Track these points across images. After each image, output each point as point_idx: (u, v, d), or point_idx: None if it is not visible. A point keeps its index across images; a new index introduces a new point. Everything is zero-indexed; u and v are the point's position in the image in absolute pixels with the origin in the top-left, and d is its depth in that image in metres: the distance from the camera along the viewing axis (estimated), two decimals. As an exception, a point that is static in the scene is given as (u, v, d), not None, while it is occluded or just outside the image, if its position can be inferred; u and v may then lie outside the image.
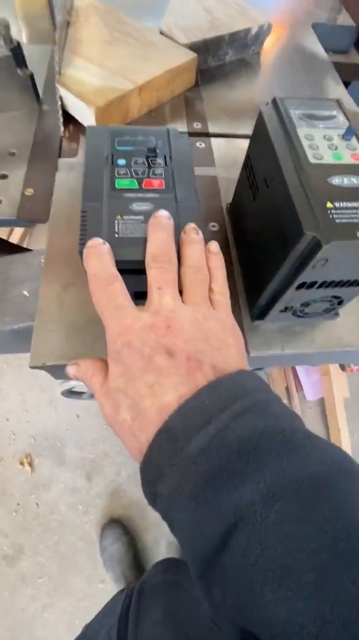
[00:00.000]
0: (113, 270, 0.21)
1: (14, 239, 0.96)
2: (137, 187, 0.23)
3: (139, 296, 0.28)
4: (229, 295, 0.25)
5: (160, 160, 0.24)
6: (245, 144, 0.46)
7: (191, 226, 0.23)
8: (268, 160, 0.26)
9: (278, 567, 0.13)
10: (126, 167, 0.24)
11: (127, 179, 0.23)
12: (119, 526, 0.91)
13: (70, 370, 0.24)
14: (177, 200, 0.23)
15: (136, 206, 0.22)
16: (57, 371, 0.31)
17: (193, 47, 0.50)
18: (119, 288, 0.21)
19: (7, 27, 0.40)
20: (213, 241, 0.25)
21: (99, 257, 0.21)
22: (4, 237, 0.45)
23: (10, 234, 0.95)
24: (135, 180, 0.23)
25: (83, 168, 0.24)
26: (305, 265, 0.23)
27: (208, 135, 0.46)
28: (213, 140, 0.45)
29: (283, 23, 0.68)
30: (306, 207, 0.22)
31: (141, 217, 0.22)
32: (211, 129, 0.47)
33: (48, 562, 0.88)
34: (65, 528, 0.91)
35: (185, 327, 0.20)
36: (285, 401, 1.10)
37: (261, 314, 0.31)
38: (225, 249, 0.37)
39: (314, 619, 0.12)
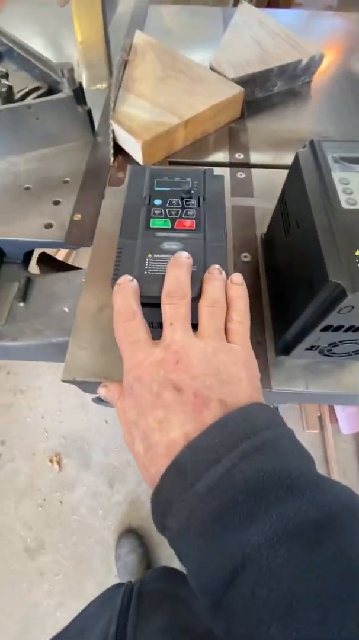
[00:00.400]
0: (135, 307, 0.22)
1: (60, 255, 1.04)
2: (170, 227, 0.25)
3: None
4: (249, 325, 0.25)
5: (193, 201, 0.26)
6: (285, 174, 0.46)
7: (215, 267, 0.24)
8: (300, 202, 0.26)
9: (285, 607, 0.14)
10: (161, 207, 0.26)
11: (161, 219, 0.25)
12: (136, 537, 0.92)
13: (100, 391, 0.26)
14: (206, 240, 0.24)
15: (166, 245, 0.24)
16: (86, 386, 0.33)
17: (241, 81, 0.51)
18: (137, 324, 0.22)
19: (71, 70, 0.44)
20: (236, 273, 0.25)
21: (124, 294, 0.22)
22: (51, 254, 0.50)
23: (57, 251, 1.03)
24: (169, 220, 0.25)
25: (124, 206, 0.26)
26: (330, 311, 0.23)
27: (249, 165, 0.47)
28: (253, 170, 0.46)
29: (336, 50, 0.68)
30: (333, 253, 0.22)
31: (169, 256, 0.23)
32: (254, 159, 0.48)
33: (66, 561, 0.92)
34: (84, 530, 0.94)
35: (193, 363, 0.20)
36: (317, 431, 1.05)
37: (286, 350, 0.31)
38: (255, 278, 0.37)
39: None
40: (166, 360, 0.20)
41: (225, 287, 0.24)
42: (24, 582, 0.89)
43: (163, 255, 0.23)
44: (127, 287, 0.22)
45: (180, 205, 0.26)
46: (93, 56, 0.35)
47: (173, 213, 0.25)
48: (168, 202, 0.26)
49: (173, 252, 0.23)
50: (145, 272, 0.23)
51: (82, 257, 1.05)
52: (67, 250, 1.10)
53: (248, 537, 0.15)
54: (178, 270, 0.23)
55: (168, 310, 0.22)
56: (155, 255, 0.23)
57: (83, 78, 0.37)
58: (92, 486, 0.99)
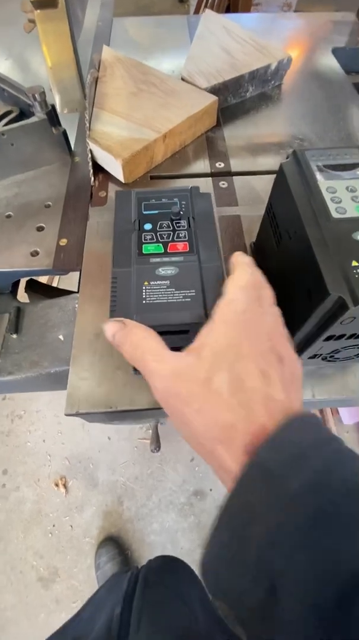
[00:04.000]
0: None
1: (44, 277, 1.02)
2: (163, 251, 0.24)
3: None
4: None
5: (183, 222, 0.26)
6: (267, 179, 0.47)
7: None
8: (290, 214, 0.26)
9: None
10: (152, 231, 0.25)
11: (153, 244, 0.25)
12: (114, 545, 0.91)
13: (110, 328, 0.21)
14: (201, 261, 0.24)
15: (162, 271, 0.23)
16: (91, 417, 0.32)
17: (213, 89, 0.52)
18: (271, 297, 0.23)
19: (42, 94, 0.44)
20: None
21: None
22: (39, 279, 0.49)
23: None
24: (161, 245, 0.24)
25: (113, 233, 0.25)
26: (332, 322, 0.23)
27: (230, 174, 0.47)
28: (235, 178, 0.46)
29: (301, 51, 0.69)
30: (330, 266, 0.22)
31: (167, 282, 0.23)
32: (234, 167, 0.48)
33: (82, 586, 0.89)
34: (98, 551, 0.92)
35: (291, 350, 0.21)
36: (320, 424, 1.06)
37: (289, 360, 0.31)
38: (250, 288, 0.37)
39: None
40: (278, 332, 0.21)
41: None
42: (41, 612, 0.87)
43: (159, 282, 0.23)
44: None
45: (171, 228, 0.25)
46: (66, 81, 0.34)
47: (164, 236, 0.25)
48: (158, 225, 0.25)
49: (170, 277, 0.23)
50: (144, 302, 0.22)
51: (67, 277, 1.04)
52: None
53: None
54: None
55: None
56: (152, 283, 0.23)
57: (57, 103, 0.37)
58: (101, 505, 0.97)
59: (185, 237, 0.25)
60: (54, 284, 1.03)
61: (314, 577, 0.13)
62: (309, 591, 0.13)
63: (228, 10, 1.64)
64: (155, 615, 0.37)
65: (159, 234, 0.25)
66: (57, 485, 0.99)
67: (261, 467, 0.15)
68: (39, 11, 0.32)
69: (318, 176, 0.26)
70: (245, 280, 0.22)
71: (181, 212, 0.26)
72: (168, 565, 0.53)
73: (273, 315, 0.21)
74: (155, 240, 0.25)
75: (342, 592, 0.13)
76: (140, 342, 0.20)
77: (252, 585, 0.14)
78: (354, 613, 0.12)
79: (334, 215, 0.24)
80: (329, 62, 0.66)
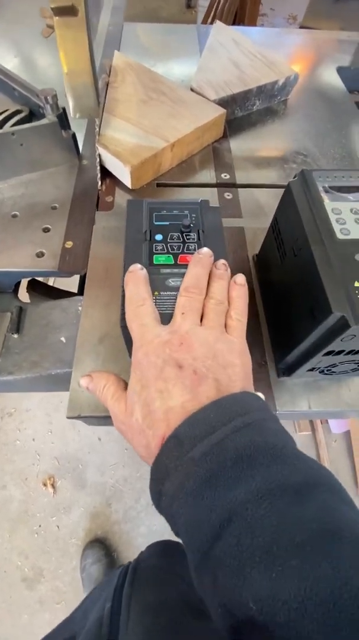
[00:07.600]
0: (145, 294, 0.24)
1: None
2: (173, 262, 0.25)
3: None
4: (246, 322, 0.26)
5: (193, 235, 0.26)
6: (271, 193, 0.48)
7: (222, 262, 0.26)
8: (295, 232, 0.27)
9: (266, 553, 0.15)
10: (163, 242, 0.26)
11: (163, 255, 0.25)
12: (101, 547, 0.91)
13: (83, 382, 0.27)
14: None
15: (172, 282, 0.24)
16: (92, 421, 0.32)
17: (221, 101, 0.53)
18: (147, 309, 0.24)
19: (54, 97, 0.44)
20: (240, 274, 0.27)
21: (135, 282, 0.24)
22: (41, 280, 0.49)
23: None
24: (171, 256, 0.25)
25: (124, 242, 0.26)
26: (333, 339, 0.24)
27: (235, 186, 0.48)
28: (240, 190, 0.47)
29: (309, 68, 0.71)
30: (334, 286, 0.23)
31: (176, 293, 0.24)
32: (239, 179, 0.49)
33: (66, 587, 0.89)
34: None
35: (195, 346, 0.23)
36: (309, 433, 1.08)
37: (288, 372, 0.32)
38: (251, 299, 0.38)
39: (296, 595, 0.14)
40: (171, 342, 0.23)
41: (227, 286, 0.26)
42: (24, 613, 0.86)
43: (169, 293, 0.23)
44: (138, 275, 0.24)
45: (181, 240, 0.26)
46: (80, 87, 0.35)
47: (174, 248, 0.26)
48: (168, 236, 0.26)
49: (179, 289, 0.24)
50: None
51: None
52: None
53: (235, 495, 0.17)
54: (199, 268, 0.25)
55: (183, 302, 0.24)
56: (162, 293, 0.23)
57: (70, 108, 0.37)
58: (89, 507, 0.97)
59: (195, 250, 0.26)
60: (50, 284, 1.02)
61: (196, 521, 0.18)
62: (193, 531, 0.18)
63: (234, 20, 1.67)
64: (144, 596, 0.37)
65: (170, 245, 0.26)
66: (45, 485, 0.98)
67: (175, 438, 0.20)
68: (58, 18, 0.32)
69: (324, 197, 0.27)
70: (133, 316, 0.24)
71: (192, 225, 0.27)
72: (159, 550, 0.52)
73: (158, 334, 0.23)
74: (165, 251, 0.25)
75: (211, 533, 0.17)
76: (102, 390, 0.25)
77: (170, 523, 0.20)
78: (215, 547, 0.17)
79: (339, 236, 0.25)
80: (334, 81, 0.68)
